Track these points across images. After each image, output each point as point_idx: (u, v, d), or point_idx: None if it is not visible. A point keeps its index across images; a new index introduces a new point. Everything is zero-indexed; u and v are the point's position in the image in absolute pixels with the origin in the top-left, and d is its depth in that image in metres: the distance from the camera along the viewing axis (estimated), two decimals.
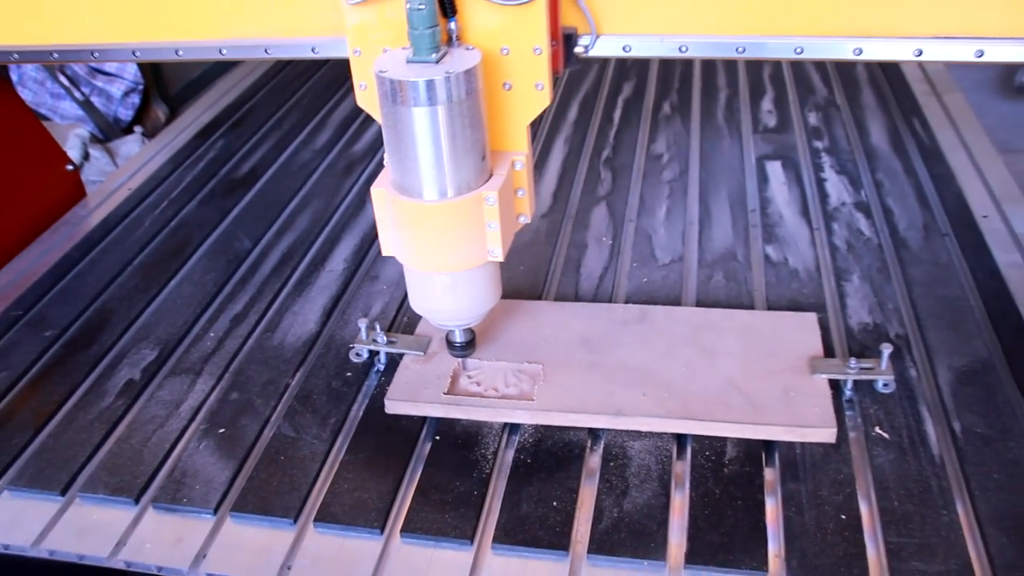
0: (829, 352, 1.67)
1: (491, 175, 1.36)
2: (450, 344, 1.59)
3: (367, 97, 1.42)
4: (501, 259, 1.41)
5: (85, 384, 1.76)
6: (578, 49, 1.41)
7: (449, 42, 1.31)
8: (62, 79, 4.46)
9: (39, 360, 1.83)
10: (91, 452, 1.58)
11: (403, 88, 1.22)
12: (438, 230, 1.35)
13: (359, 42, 1.38)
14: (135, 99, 4.69)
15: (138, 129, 4.61)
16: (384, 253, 1.45)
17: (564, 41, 1.38)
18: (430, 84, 1.21)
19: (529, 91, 1.36)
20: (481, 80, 1.27)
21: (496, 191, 1.33)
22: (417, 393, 1.62)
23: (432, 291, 1.46)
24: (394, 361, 1.71)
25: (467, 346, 1.58)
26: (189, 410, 1.66)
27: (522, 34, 1.31)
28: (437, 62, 1.25)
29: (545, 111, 1.41)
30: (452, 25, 1.31)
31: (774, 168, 2.38)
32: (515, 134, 1.41)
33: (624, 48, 1.41)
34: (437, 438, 1.57)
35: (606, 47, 1.42)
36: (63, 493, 1.51)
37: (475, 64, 1.25)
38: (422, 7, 1.23)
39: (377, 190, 1.38)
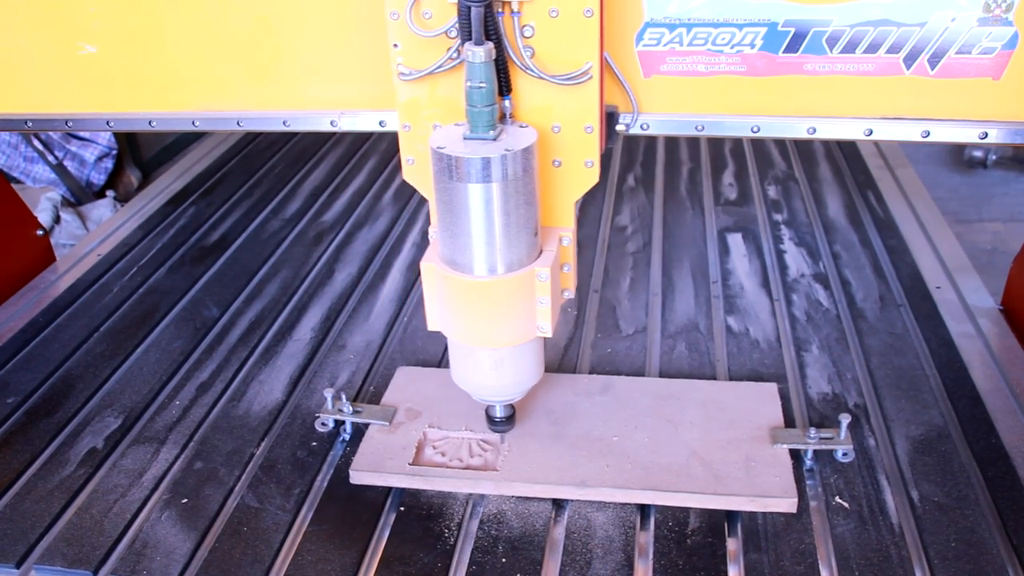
0: (789, 422, 1.70)
1: (541, 251, 1.37)
2: (490, 419, 1.58)
3: (415, 172, 1.42)
4: (550, 335, 1.41)
5: (46, 452, 1.73)
6: (619, 127, 1.42)
7: (503, 119, 1.31)
8: (36, 143, 4.47)
9: (0, 427, 1.81)
10: (50, 522, 1.56)
11: (460, 165, 1.22)
12: (489, 306, 1.34)
13: (409, 117, 1.38)
14: (108, 164, 4.70)
15: (110, 193, 4.62)
16: (430, 328, 1.44)
17: (607, 119, 1.40)
18: (488, 162, 1.22)
19: (579, 168, 1.39)
20: (536, 158, 1.28)
21: (548, 267, 1.34)
22: (382, 464, 1.62)
23: (478, 367, 1.45)
24: (359, 431, 1.71)
25: (507, 421, 1.58)
26: (152, 480, 1.65)
27: (574, 112, 1.33)
28: (495, 139, 1.26)
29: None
30: (506, 103, 1.32)
31: (735, 240, 2.44)
32: (563, 210, 1.42)
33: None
34: (402, 509, 1.56)
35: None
36: (19, 565, 1.48)
37: (532, 142, 1.26)
38: (483, 85, 1.23)
39: (427, 265, 1.38)
